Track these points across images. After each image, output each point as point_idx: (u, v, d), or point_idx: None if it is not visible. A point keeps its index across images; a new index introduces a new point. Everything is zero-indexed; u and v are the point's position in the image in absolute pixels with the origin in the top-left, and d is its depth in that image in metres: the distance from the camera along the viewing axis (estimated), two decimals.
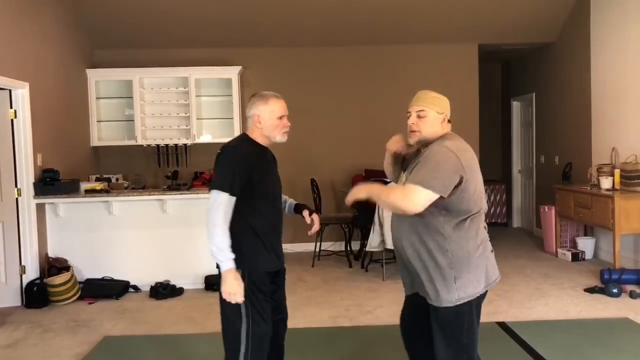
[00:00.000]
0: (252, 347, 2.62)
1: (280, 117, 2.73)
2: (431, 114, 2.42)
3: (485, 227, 2.47)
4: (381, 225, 5.62)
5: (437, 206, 2.30)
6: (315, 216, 2.99)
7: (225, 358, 2.68)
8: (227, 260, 2.56)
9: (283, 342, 2.97)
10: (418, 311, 2.56)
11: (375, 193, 2.40)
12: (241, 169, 2.60)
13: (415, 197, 2.24)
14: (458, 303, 2.33)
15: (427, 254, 2.37)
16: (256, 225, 2.70)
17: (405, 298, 2.71)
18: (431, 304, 2.41)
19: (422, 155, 2.40)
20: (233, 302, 2.57)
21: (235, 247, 2.62)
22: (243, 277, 2.62)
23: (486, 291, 2.44)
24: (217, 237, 2.55)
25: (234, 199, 2.59)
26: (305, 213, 3.00)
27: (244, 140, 2.76)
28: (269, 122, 2.71)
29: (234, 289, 2.55)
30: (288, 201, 3.08)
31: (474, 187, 2.32)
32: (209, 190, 2.63)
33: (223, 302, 2.63)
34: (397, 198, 2.29)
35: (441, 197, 2.26)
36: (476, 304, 2.41)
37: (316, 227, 2.98)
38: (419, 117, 2.42)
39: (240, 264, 2.63)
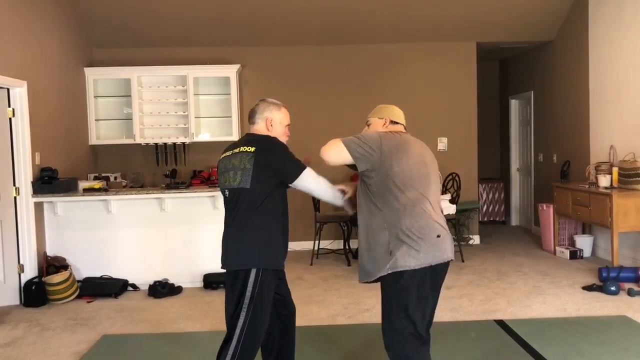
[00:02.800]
0: (243, 343, 2.69)
1: (287, 126, 2.95)
2: (373, 120, 2.93)
3: (427, 211, 2.64)
4: None
5: (367, 186, 2.67)
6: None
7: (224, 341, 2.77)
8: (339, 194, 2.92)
9: (293, 337, 3.04)
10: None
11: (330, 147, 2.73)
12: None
13: (331, 144, 2.68)
14: (390, 272, 2.57)
15: (372, 232, 2.66)
16: (283, 222, 2.84)
17: None
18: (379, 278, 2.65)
19: None
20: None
21: (253, 244, 2.73)
22: (257, 277, 2.70)
23: (430, 267, 2.59)
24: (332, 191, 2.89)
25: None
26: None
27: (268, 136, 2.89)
28: (279, 128, 2.91)
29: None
30: None
31: (399, 168, 2.61)
32: (296, 178, 2.78)
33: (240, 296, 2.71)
34: (328, 144, 2.69)
35: (359, 170, 2.65)
36: (420, 277, 2.58)
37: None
38: (367, 126, 2.96)
39: (256, 262, 2.71)
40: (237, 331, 2.68)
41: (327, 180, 2.89)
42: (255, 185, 2.72)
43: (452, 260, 2.67)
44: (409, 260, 2.54)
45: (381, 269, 2.59)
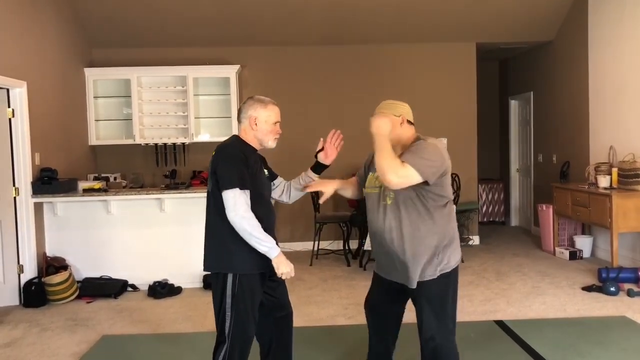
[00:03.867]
0: (233, 345, 2.70)
1: (275, 123, 2.84)
2: (389, 117, 2.70)
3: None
4: None
5: (423, 193, 2.62)
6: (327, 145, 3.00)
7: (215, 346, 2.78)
8: (273, 248, 2.66)
9: (291, 339, 3.02)
10: (390, 293, 2.87)
11: (382, 146, 2.58)
12: (243, 166, 2.67)
13: (404, 174, 2.50)
14: (438, 274, 2.64)
15: (418, 238, 2.64)
16: (263, 225, 2.73)
17: (376, 280, 2.97)
18: (411, 284, 2.67)
19: (411, 147, 2.69)
20: (288, 278, 2.72)
21: (226, 249, 2.69)
22: (234, 282, 2.67)
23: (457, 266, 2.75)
24: (254, 231, 2.61)
25: (247, 192, 2.65)
26: (321, 154, 3.03)
27: (236, 141, 2.82)
28: (265, 126, 2.80)
29: (287, 269, 2.69)
30: (292, 182, 3.10)
31: (446, 177, 2.67)
32: (222, 190, 2.64)
33: (221, 300, 2.70)
34: (390, 166, 2.49)
35: (425, 183, 2.56)
36: (454, 277, 2.72)
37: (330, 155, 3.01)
38: None
39: (230, 267, 2.68)
40: (226, 333, 2.70)
41: (252, 214, 2.63)
42: (213, 189, 2.71)
43: None
44: (453, 259, 2.70)
45: (427, 273, 2.63)
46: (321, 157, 3.01)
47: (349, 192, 3.08)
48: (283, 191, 3.08)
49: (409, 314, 2.89)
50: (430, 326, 2.66)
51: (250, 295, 2.72)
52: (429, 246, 2.62)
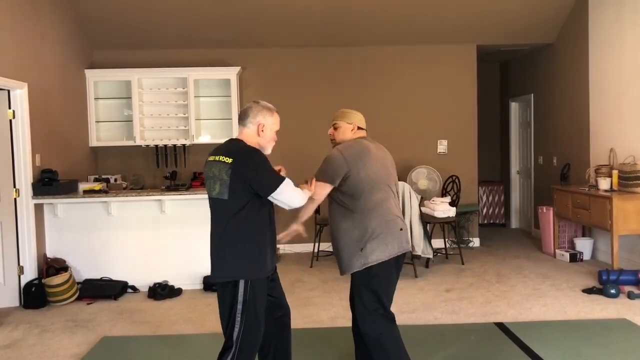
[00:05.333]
0: (241, 349, 2.70)
1: (276, 131, 2.91)
2: (342, 124, 3.22)
3: (391, 208, 3.06)
4: None
5: (341, 192, 3.01)
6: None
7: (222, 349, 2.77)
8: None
9: (289, 338, 3.04)
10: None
11: (301, 216, 3.23)
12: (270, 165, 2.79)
13: (316, 192, 3.03)
14: (364, 267, 2.95)
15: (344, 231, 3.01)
16: (270, 229, 2.82)
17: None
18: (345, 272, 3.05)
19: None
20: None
21: (238, 255, 2.70)
22: (245, 288, 2.68)
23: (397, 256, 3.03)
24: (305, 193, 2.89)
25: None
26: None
27: (249, 146, 2.80)
28: (270, 133, 2.86)
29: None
30: None
31: (365, 173, 2.97)
32: (271, 192, 2.71)
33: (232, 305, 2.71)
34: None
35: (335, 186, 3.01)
36: (387, 267, 2.99)
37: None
38: (335, 128, 3.24)
39: (242, 274, 2.70)
40: (234, 339, 2.69)
41: (304, 192, 2.90)
42: (233, 196, 2.67)
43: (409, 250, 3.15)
44: (379, 254, 2.94)
45: (355, 265, 2.97)
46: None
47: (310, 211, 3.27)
48: None
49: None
50: (360, 314, 3.02)
51: (259, 300, 2.74)
52: (353, 240, 2.97)
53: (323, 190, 3.04)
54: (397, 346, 2.99)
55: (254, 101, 2.89)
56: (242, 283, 2.68)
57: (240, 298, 2.67)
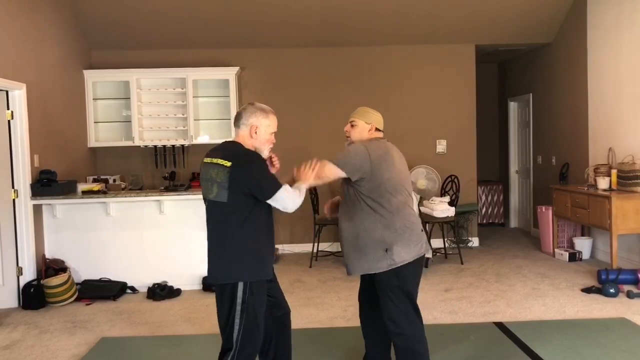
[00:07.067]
0: (241, 351, 2.70)
1: (272, 133, 2.86)
2: (360, 123, 3.11)
3: (412, 210, 3.07)
4: None
5: (364, 190, 2.93)
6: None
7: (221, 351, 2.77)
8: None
9: (290, 337, 3.04)
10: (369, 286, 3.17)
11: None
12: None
13: (325, 171, 2.93)
14: (390, 268, 2.92)
15: (365, 232, 2.96)
16: (268, 231, 2.80)
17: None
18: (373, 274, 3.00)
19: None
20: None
21: (237, 258, 2.69)
22: (244, 291, 2.67)
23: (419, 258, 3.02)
24: (302, 197, 2.81)
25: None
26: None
27: (245, 149, 2.77)
28: (264, 135, 2.81)
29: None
30: None
31: (389, 175, 2.93)
32: (269, 197, 2.69)
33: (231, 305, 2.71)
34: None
35: (350, 179, 2.94)
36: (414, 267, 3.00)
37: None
38: (352, 126, 3.13)
39: (241, 276, 2.68)
40: (234, 341, 2.68)
41: (302, 192, 2.82)
42: (232, 199, 2.65)
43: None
44: (405, 255, 2.92)
45: (379, 266, 2.92)
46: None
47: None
48: None
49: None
50: (391, 315, 2.99)
51: (258, 303, 2.73)
52: (375, 240, 2.92)
53: (335, 174, 2.95)
54: (425, 348, 3.02)
55: (249, 103, 2.86)
56: (240, 285, 2.67)
57: (239, 300, 2.66)
